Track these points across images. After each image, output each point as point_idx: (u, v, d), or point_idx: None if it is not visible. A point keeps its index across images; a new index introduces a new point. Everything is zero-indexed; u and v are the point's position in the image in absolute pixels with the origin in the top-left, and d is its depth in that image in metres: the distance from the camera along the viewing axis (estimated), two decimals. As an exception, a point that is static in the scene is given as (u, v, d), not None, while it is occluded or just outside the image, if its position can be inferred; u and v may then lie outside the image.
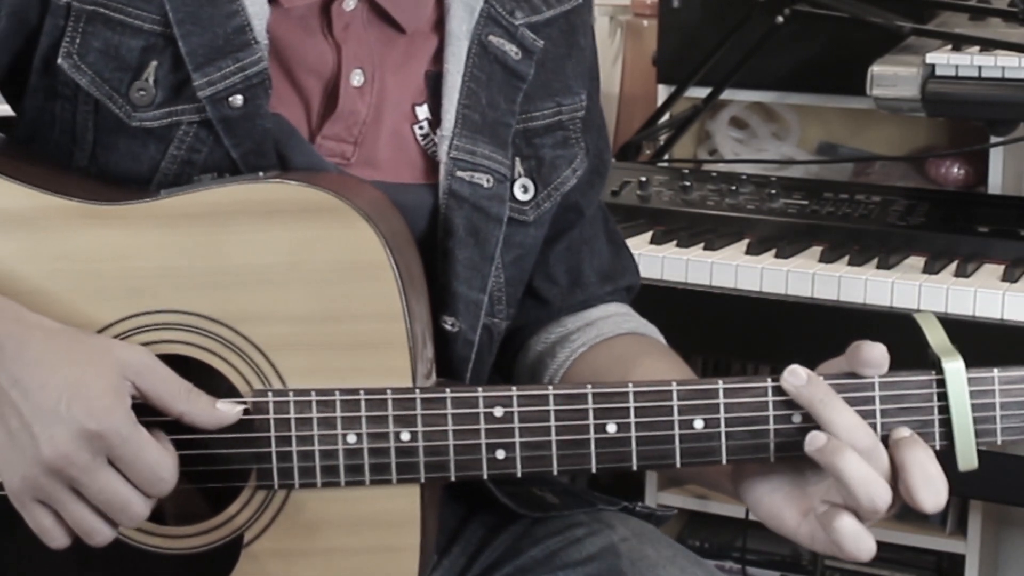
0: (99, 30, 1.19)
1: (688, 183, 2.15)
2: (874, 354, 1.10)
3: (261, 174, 1.18)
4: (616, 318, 1.41)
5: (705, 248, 1.98)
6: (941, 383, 1.10)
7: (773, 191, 2.11)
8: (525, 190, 1.32)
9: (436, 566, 1.30)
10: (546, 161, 1.33)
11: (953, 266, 1.88)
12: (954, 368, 1.09)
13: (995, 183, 2.40)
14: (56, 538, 1.08)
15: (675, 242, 2.01)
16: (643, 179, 2.18)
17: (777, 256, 1.94)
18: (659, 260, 1.94)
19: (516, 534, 1.30)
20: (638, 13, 2.83)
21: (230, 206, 1.12)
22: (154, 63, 1.19)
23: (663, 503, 2.65)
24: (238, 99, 1.18)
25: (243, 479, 1.13)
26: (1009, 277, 1.83)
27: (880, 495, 1.07)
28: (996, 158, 2.39)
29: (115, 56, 1.19)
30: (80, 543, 1.09)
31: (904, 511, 2.83)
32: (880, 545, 2.87)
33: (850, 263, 1.91)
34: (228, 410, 1.10)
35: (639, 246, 1.99)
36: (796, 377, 1.09)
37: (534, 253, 1.36)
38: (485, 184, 1.27)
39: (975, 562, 2.48)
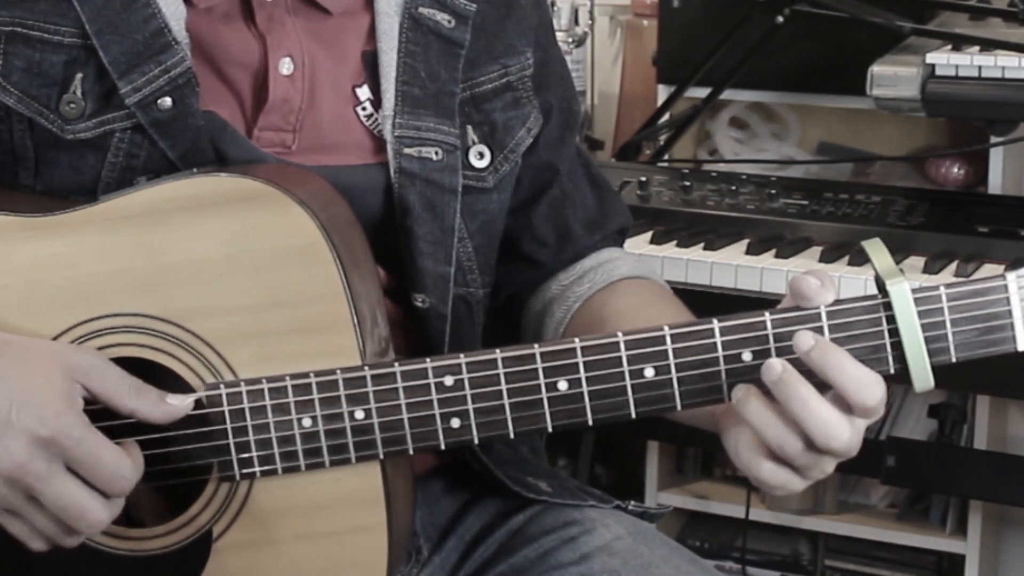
0: (20, 49, 1.19)
1: (688, 183, 2.15)
2: (805, 286, 1.09)
3: (195, 170, 1.18)
4: (607, 265, 1.40)
5: (705, 248, 1.98)
6: (888, 306, 1.09)
7: (773, 191, 2.11)
8: (481, 156, 1.32)
9: (427, 563, 1.30)
10: (499, 125, 1.33)
11: (953, 266, 1.88)
12: (898, 290, 1.08)
13: (995, 183, 2.40)
14: (32, 542, 1.09)
15: (675, 242, 2.01)
16: (643, 179, 2.18)
17: (777, 256, 1.94)
18: (659, 260, 1.94)
19: (510, 532, 1.30)
20: (638, 13, 2.83)
21: (165, 204, 1.13)
22: (79, 75, 1.19)
23: (663, 503, 2.65)
24: (167, 101, 1.19)
25: (205, 474, 1.14)
26: (1009, 277, 1.83)
27: (836, 435, 1.06)
28: (996, 158, 2.40)
29: (39, 73, 1.19)
30: (50, 553, 1.09)
31: (905, 511, 2.82)
32: (880, 545, 2.88)
33: (849, 263, 1.91)
34: (178, 403, 1.11)
35: (639, 246, 1.99)
36: (771, 372, 1.06)
37: (500, 218, 1.35)
38: (434, 157, 1.27)
39: (975, 562, 2.48)
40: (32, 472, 1.05)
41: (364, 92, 1.28)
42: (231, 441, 1.13)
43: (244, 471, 1.13)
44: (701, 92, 2.44)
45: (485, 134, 1.32)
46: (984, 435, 2.47)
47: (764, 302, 1.92)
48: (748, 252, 1.96)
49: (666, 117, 2.48)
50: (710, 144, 2.72)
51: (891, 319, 1.09)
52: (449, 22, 1.30)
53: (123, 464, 1.08)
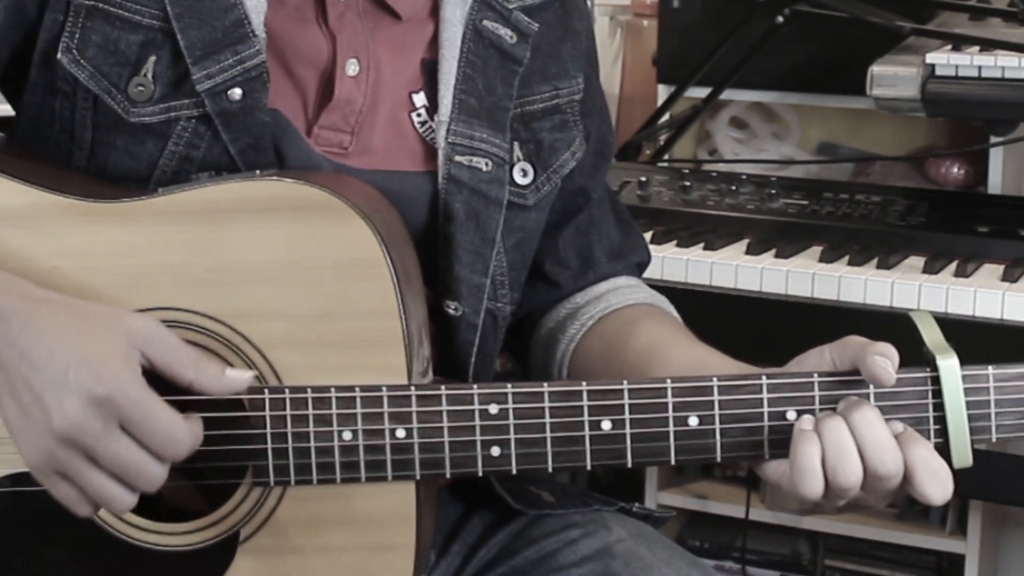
0: (98, 25, 1.19)
1: (688, 183, 2.15)
2: (878, 369, 1.08)
3: (258, 172, 1.18)
4: (625, 289, 1.41)
5: (705, 248, 1.98)
6: (936, 380, 1.10)
7: (773, 191, 2.11)
8: (524, 174, 1.32)
9: (434, 567, 1.30)
10: (545, 145, 1.34)
11: (953, 266, 1.88)
12: (948, 365, 1.09)
13: (995, 183, 2.40)
14: (81, 508, 1.07)
15: (675, 242, 2.01)
16: (643, 179, 2.18)
17: (777, 256, 1.94)
18: (659, 260, 1.94)
19: (512, 534, 1.30)
20: (638, 13, 2.83)
21: (227, 203, 1.12)
22: (153, 58, 1.19)
23: (663, 503, 2.65)
24: (236, 92, 1.19)
25: (239, 476, 1.13)
26: (1009, 277, 1.83)
27: (854, 467, 1.08)
28: (996, 158, 2.39)
29: (114, 51, 1.19)
30: (75, 542, 1.09)
31: (904, 511, 2.83)
32: (880, 545, 2.88)
33: (850, 263, 1.91)
34: (238, 377, 1.09)
35: (639, 246, 1.99)
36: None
37: (536, 237, 1.36)
38: (484, 168, 1.28)
39: (975, 562, 2.48)
40: (90, 432, 1.03)
41: (420, 99, 1.29)
42: (269, 447, 1.12)
43: (279, 478, 1.13)
44: (701, 92, 2.44)
45: (530, 152, 1.33)
46: (984, 435, 2.46)
47: (764, 302, 1.93)
48: (748, 252, 1.96)
49: (666, 117, 2.48)
50: (710, 144, 2.71)
51: (937, 393, 1.10)
52: (511, 38, 1.31)
53: (178, 427, 1.05)
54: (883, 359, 1.08)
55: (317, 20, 1.25)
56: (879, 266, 1.89)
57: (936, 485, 1.08)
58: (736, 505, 2.60)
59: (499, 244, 1.30)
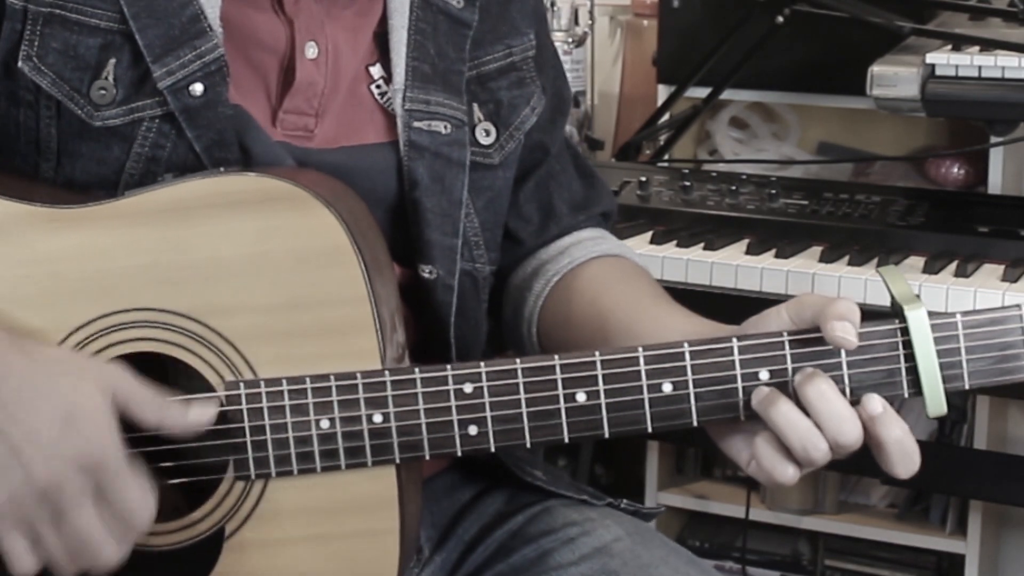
0: (57, 31, 1.19)
1: (688, 183, 2.15)
2: (838, 335, 1.09)
3: (222, 168, 1.19)
4: (588, 243, 1.42)
5: (705, 248, 1.98)
6: (905, 331, 1.10)
7: (773, 191, 2.11)
8: (487, 134, 1.34)
9: (427, 562, 1.30)
10: (504, 103, 1.36)
11: (953, 266, 1.88)
12: (916, 315, 1.09)
13: (995, 183, 2.40)
14: (23, 566, 1.08)
15: (675, 242, 2.01)
16: (643, 179, 2.18)
17: (777, 256, 1.94)
18: (659, 260, 1.94)
19: (509, 533, 1.31)
20: (638, 13, 2.83)
21: (192, 201, 1.13)
22: (112, 60, 1.20)
23: (663, 503, 2.65)
24: (198, 87, 1.20)
25: (221, 471, 1.14)
26: (1009, 277, 1.83)
27: (816, 446, 1.08)
28: (996, 158, 2.40)
29: (74, 56, 1.20)
30: None
31: (905, 511, 2.82)
32: (880, 545, 2.88)
33: (850, 263, 1.91)
34: (201, 411, 1.11)
35: (639, 246, 1.99)
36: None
37: (506, 196, 1.37)
38: (443, 131, 1.29)
39: (975, 562, 2.48)
40: (68, 492, 1.05)
41: (377, 70, 1.30)
42: (248, 440, 1.13)
43: (260, 471, 1.13)
44: (701, 92, 2.44)
45: (491, 112, 1.35)
46: (984, 435, 2.47)
47: (764, 302, 1.92)
48: (748, 252, 1.96)
49: (666, 117, 2.48)
50: (710, 144, 2.72)
51: (907, 344, 1.10)
52: (458, 2, 1.33)
53: (143, 510, 1.08)
54: (843, 323, 1.09)
55: (273, 7, 1.26)
56: (879, 266, 1.89)
57: (907, 464, 1.09)
58: (736, 505, 2.60)
59: (467, 205, 1.31)
